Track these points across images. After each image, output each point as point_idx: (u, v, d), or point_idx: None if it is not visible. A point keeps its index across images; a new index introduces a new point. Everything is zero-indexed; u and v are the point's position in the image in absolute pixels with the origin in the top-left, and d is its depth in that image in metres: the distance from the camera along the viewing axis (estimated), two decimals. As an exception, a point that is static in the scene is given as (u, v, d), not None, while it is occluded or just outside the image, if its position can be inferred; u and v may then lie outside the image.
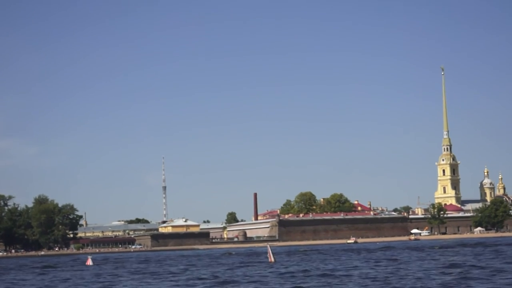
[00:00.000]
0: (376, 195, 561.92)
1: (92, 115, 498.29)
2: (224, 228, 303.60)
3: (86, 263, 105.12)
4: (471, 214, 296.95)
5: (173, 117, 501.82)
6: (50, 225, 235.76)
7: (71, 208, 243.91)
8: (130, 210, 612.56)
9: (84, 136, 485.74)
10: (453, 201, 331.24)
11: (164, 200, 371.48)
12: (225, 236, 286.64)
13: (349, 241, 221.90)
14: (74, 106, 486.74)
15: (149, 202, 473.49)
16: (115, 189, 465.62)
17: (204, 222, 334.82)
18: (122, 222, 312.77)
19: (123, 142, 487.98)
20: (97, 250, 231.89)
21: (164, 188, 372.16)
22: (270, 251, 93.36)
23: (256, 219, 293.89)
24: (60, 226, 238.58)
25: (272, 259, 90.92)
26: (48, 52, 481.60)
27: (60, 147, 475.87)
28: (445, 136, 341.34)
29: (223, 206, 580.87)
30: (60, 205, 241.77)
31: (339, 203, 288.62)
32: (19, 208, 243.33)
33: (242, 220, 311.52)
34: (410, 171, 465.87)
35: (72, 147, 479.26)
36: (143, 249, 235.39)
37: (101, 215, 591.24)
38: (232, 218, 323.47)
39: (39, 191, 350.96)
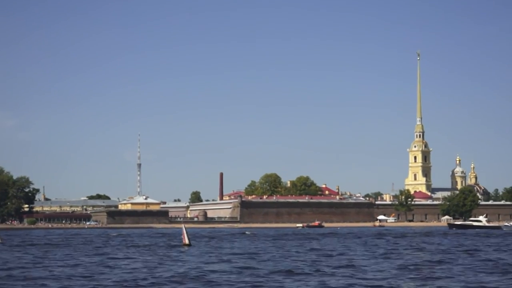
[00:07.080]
0: (347, 180, 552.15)
1: (71, 92, 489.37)
2: (188, 207, 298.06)
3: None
4: (440, 202, 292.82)
5: (146, 98, 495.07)
6: (4, 197, 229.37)
7: (27, 181, 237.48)
8: (102, 187, 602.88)
9: (62, 112, 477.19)
10: (423, 189, 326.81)
11: (138, 178, 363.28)
12: (188, 215, 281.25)
13: (298, 225, 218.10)
14: (54, 81, 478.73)
15: (122, 179, 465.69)
16: (90, 165, 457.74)
17: (175, 200, 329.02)
18: (84, 198, 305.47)
19: (100, 119, 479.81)
20: (50, 226, 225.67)
21: (139, 165, 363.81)
22: (185, 233, 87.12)
23: (222, 199, 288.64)
24: (14, 199, 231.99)
25: (187, 241, 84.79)
26: (34, 31, 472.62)
27: (37, 121, 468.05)
28: (418, 123, 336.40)
29: (192, 185, 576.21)
30: (15, 177, 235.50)
31: (305, 186, 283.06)
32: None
33: (212, 200, 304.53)
34: (383, 157, 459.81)
35: (49, 122, 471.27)
36: (98, 226, 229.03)
37: (71, 191, 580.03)
38: (196, 198, 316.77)
39: (8, 165, 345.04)
